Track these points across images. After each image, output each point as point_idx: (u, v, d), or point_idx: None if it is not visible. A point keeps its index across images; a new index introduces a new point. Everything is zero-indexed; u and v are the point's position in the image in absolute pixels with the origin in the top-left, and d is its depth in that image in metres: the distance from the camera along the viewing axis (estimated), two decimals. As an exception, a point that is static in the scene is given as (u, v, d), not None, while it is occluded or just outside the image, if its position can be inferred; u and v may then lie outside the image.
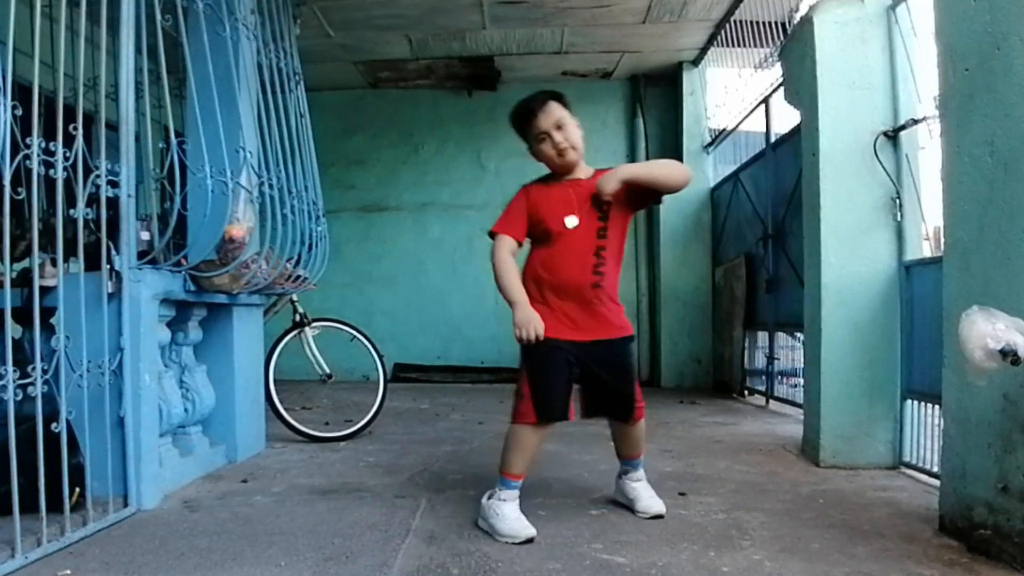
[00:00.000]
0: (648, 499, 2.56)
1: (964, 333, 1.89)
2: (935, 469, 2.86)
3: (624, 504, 2.63)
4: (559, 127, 2.42)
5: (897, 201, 3.21)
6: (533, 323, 2.33)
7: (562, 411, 2.40)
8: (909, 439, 3.20)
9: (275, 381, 3.88)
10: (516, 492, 2.40)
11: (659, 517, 2.49)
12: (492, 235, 2.49)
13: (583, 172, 2.51)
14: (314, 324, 4.11)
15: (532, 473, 3.10)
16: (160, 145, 2.81)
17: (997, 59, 2.09)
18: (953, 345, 2.21)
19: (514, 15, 5.70)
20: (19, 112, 2.07)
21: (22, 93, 2.11)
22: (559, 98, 2.44)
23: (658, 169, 2.51)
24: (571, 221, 2.41)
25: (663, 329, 6.77)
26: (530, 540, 2.25)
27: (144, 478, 2.60)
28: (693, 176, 7.25)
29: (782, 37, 5.03)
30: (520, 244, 2.50)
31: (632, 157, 7.23)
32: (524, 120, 2.46)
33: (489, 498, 2.40)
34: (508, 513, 2.33)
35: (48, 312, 2.33)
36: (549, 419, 2.40)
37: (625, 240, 2.53)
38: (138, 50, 2.63)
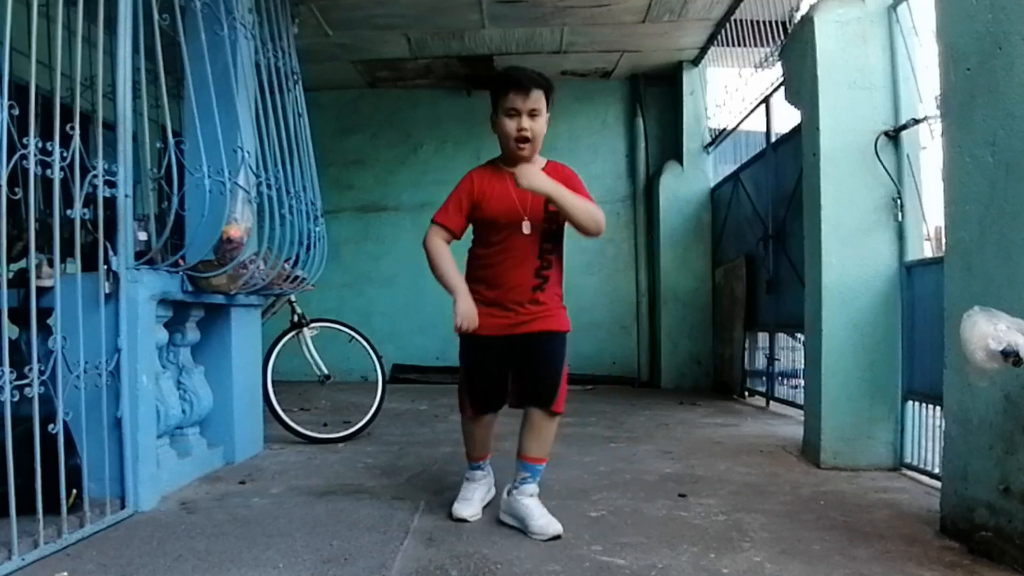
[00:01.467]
0: (543, 517, 2.34)
1: (965, 334, 1.88)
2: (936, 470, 2.85)
3: (515, 527, 2.40)
4: (533, 115, 2.36)
5: (898, 201, 3.20)
6: (471, 317, 2.34)
7: (496, 403, 2.50)
8: (910, 440, 3.19)
9: (273, 382, 3.87)
10: (479, 471, 2.62)
11: (556, 538, 2.28)
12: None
13: (534, 165, 2.41)
14: (312, 325, 4.10)
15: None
16: (158, 145, 2.80)
17: (999, 58, 2.08)
18: (954, 346, 2.20)
19: (513, 14, 5.68)
20: (16, 112, 2.06)
21: (19, 93, 2.10)
22: (548, 89, 2.37)
23: (579, 208, 2.32)
24: (518, 224, 2.37)
25: (663, 330, 6.76)
26: (462, 520, 2.46)
27: (141, 479, 2.59)
28: (693, 176, 7.19)
29: (783, 36, 5.02)
30: (458, 237, 2.46)
31: (632, 157, 7.23)
32: (504, 88, 2.37)
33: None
34: (463, 494, 2.58)
35: (45, 313, 2.32)
36: (482, 411, 2.51)
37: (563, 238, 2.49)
38: (135, 49, 2.62)
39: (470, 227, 2.51)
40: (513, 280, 2.40)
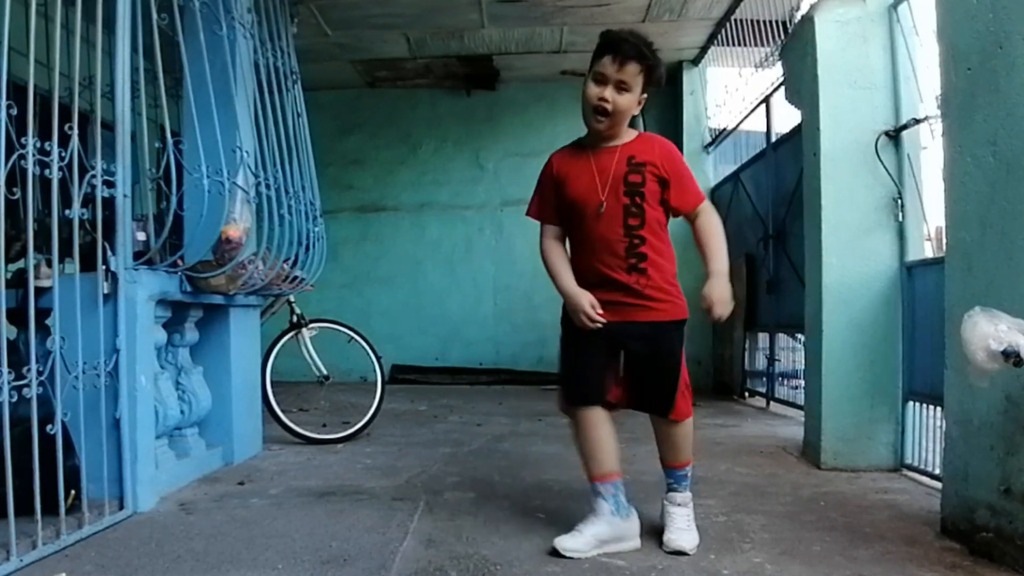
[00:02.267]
0: (678, 530, 2.20)
1: (966, 334, 1.88)
2: (937, 471, 2.84)
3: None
4: (621, 87, 2.14)
5: (899, 201, 3.20)
6: (583, 308, 2.15)
7: (596, 393, 2.21)
8: (910, 441, 3.19)
9: (272, 383, 3.86)
10: (603, 503, 2.19)
11: (681, 554, 2.14)
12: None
13: (620, 139, 2.27)
14: (311, 325, 4.09)
15: (531, 476, 3.10)
16: (156, 145, 2.80)
17: (999, 58, 2.08)
18: (955, 346, 2.19)
19: (513, 14, 5.68)
20: (14, 111, 2.05)
21: (17, 92, 2.10)
22: (650, 65, 2.14)
23: (724, 249, 2.34)
24: (596, 204, 2.19)
25: (663, 330, 6.73)
26: (555, 553, 2.10)
27: (140, 480, 2.58)
28: (694, 176, 7.18)
29: (783, 36, 5.01)
30: (560, 226, 2.32)
31: (631, 157, 7.20)
32: (601, 49, 2.16)
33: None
34: (581, 527, 2.16)
35: (43, 313, 2.31)
36: (581, 401, 2.22)
37: (666, 218, 2.34)
38: (134, 49, 2.61)
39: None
40: (603, 267, 2.21)
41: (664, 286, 2.28)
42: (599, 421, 2.23)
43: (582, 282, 2.24)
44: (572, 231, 2.31)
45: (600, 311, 2.19)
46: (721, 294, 2.20)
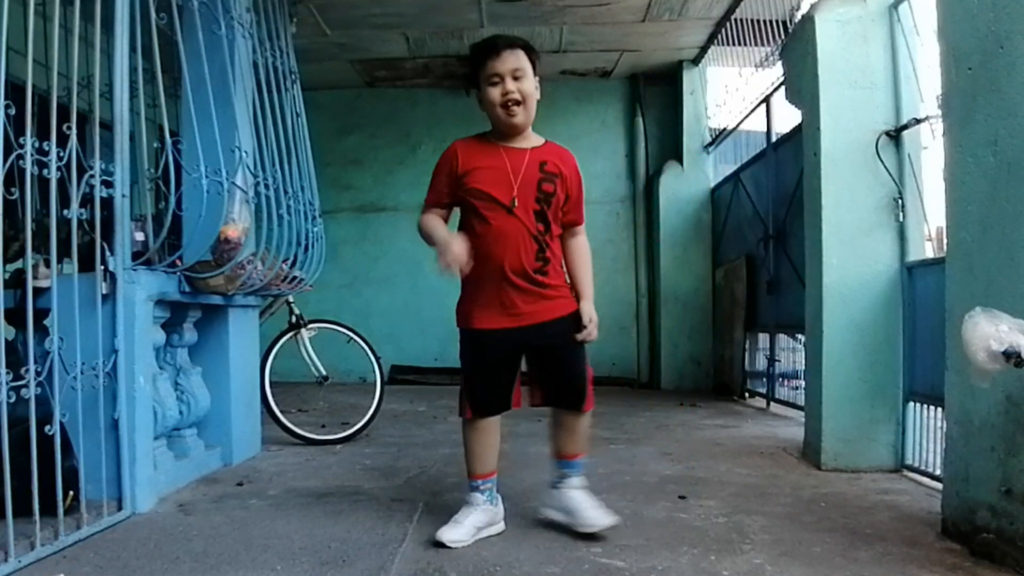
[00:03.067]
0: (592, 509, 2.29)
1: (967, 335, 1.87)
2: (938, 472, 2.84)
3: (562, 522, 2.34)
4: (516, 76, 2.18)
5: (899, 201, 3.19)
6: (452, 251, 2.12)
7: (501, 405, 2.29)
8: (911, 442, 3.18)
9: (271, 383, 3.85)
10: (478, 495, 2.29)
11: (611, 528, 2.26)
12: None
13: (529, 140, 2.29)
14: (310, 326, 4.08)
15: (531, 476, 3.09)
16: (155, 145, 2.79)
17: (1000, 58, 2.07)
18: (956, 347, 2.19)
19: (512, 13, 5.67)
20: (12, 111, 2.05)
21: (15, 92, 2.09)
22: (528, 49, 2.21)
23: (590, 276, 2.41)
24: (509, 200, 2.19)
25: (663, 331, 6.74)
26: (440, 544, 2.18)
27: (138, 481, 2.58)
28: (693, 176, 7.20)
29: (783, 36, 5.01)
30: (449, 211, 2.34)
31: (632, 157, 7.21)
32: (481, 56, 2.20)
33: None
34: (456, 516, 2.27)
35: (42, 314, 2.31)
36: (484, 413, 2.28)
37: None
38: (133, 49, 2.60)
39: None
40: (513, 266, 2.21)
41: (560, 284, 2.33)
42: (494, 427, 2.34)
43: (484, 277, 2.23)
44: (476, 223, 2.26)
45: (507, 313, 2.22)
46: (594, 318, 2.31)
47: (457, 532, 2.23)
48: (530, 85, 2.22)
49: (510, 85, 2.18)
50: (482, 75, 2.22)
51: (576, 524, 2.29)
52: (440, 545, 2.19)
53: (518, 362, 2.33)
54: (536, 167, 2.26)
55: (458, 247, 2.15)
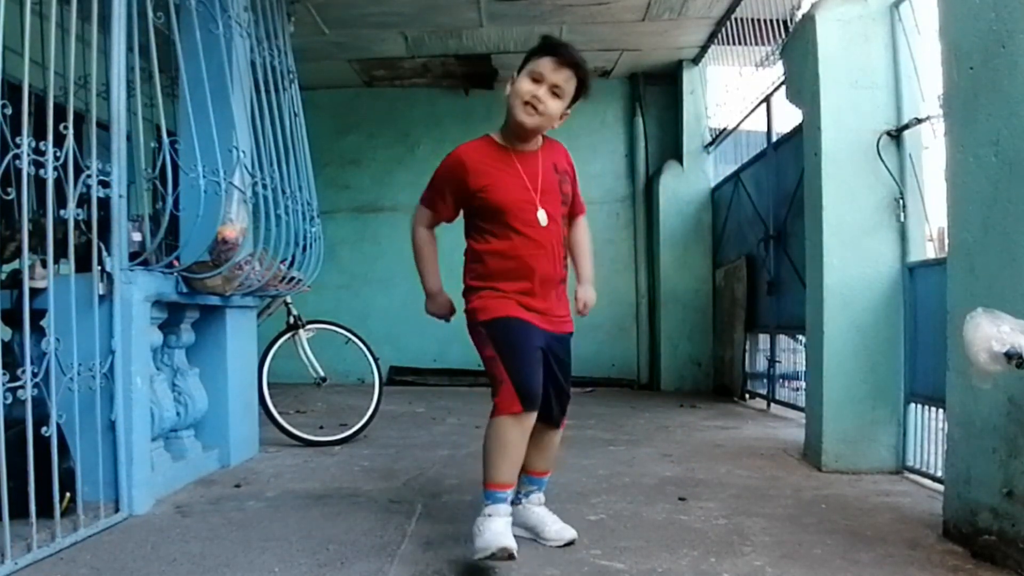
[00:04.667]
0: (555, 524, 2.28)
1: (969, 336, 1.86)
2: (939, 474, 2.83)
3: (527, 537, 2.26)
4: (554, 92, 2.12)
5: (900, 201, 3.18)
6: (444, 314, 2.37)
7: (540, 398, 2.11)
8: (912, 443, 3.17)
9: (269, 384, 3.84)
10: (506, 507, 2.07)
11: (571, 544, 2.22)
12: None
13: (535, 144, 2.24)
14: (308, 326, 4.07)
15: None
16: (152, 144, 2.78)
17: (1002, 57, 2.06)
18: (957, 348, 2.18)
19: (511, 12, 5.66)
20: (8, 111, 2.04)
21: (12, 91, 2.09)
22: (583, 76, 2.15)
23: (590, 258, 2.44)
24: (533, 210, 2.15)
25: (663, 332, 6.74)
26: (508, 555, 1.94)
27: (136, 483, 2.56)
28: (693, 176, 7.19)
29: (784, 35, 5.00)
30: (447, 221, 2.32)
31: (631, 156, 7.20)
32: (542, 52, 2.13)
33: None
34: (491, 526, 2.00)
35: (38, 314, 2.30)
36: (534, 404, 2.07)
37: None
38: (129, 48, 2.59)
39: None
40: (543, 274, 2.17)
41: (567, 304, 2.33)
42: (528, 431, 2.11)
43: (510, 285, 2.15)
44: (494, 233, 2.18)
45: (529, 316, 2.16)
46: (592, 298, 2.34)
47: (510, 538, 2.01)
48: (558, 108, 2.14)
49: (543, 93, 2.11)
50: (529, 65, 2.15)
51: (544, 537, 2.26)
52: (507, 555, 1.94)
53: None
54: (552, 170, 2.23)
55: (443, 301, 2.36)
